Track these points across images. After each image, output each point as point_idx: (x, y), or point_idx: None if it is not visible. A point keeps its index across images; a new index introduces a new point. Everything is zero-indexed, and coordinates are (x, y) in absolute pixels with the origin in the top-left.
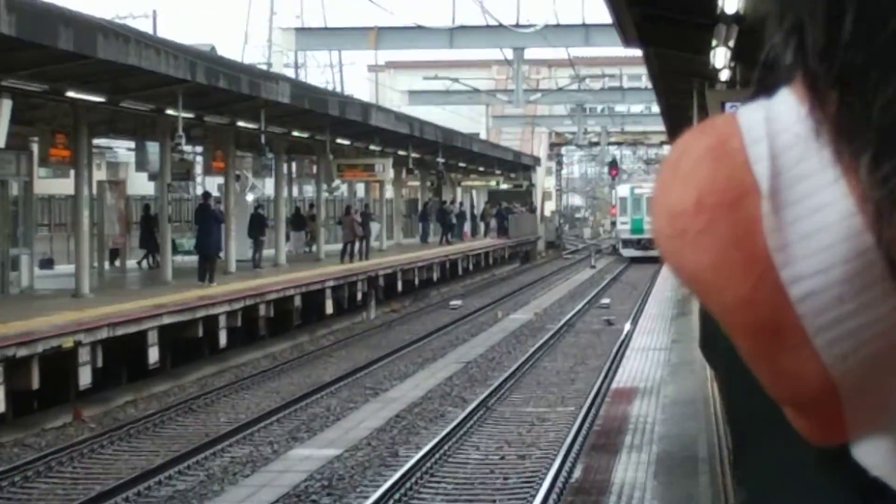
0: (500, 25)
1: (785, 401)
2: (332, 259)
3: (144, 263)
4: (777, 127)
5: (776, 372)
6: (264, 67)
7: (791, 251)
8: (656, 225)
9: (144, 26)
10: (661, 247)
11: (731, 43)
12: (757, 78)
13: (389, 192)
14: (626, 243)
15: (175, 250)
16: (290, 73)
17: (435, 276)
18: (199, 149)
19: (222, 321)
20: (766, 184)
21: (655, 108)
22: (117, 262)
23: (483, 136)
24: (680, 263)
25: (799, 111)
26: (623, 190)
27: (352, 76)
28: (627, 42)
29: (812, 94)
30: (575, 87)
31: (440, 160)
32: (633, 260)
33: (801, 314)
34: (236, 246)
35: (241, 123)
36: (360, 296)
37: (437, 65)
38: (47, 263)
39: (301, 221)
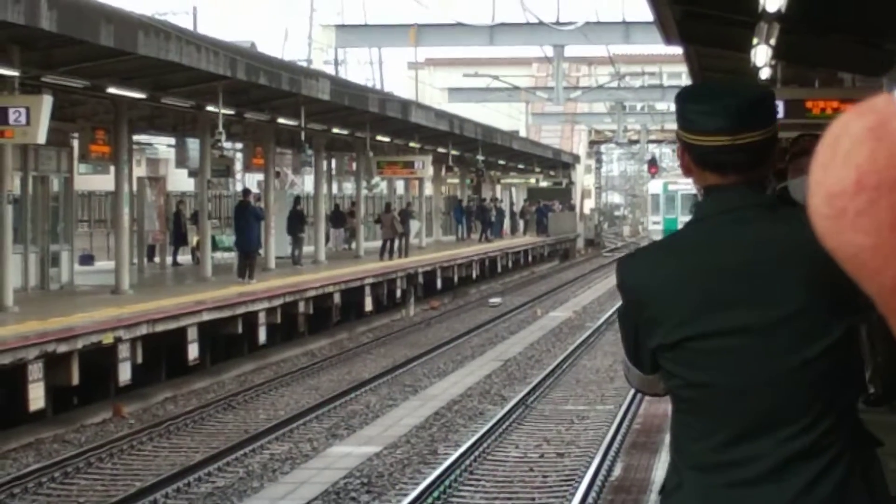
0: (541, 23)
1: None
2: (371, 256)
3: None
4: None
5: None
6: (304, 64)
7: None
8: (813, 205)
9: (185, 23)
10: (818, 227)
11: (773, 41)
12: None
13: (429, 189)
14: None
15: (215, 247)
16: (330, 69)
17: (474, 273)
18: (238, 145)
19: (262, 318)
20: None
21: None
22: (157, 259)
23: (523, 133)
24: (838, 245)
25: None
26: (655, 186)
27: (392, 73)
28: (668, 40)
29: None
30: (615, 84)
31: (480, 157)
32: None
33: None
34: (276, 243)
35: (281, 120)
36: (399, 293)
37: (477, 62)
38: (87, 259)
39: (341, 218)
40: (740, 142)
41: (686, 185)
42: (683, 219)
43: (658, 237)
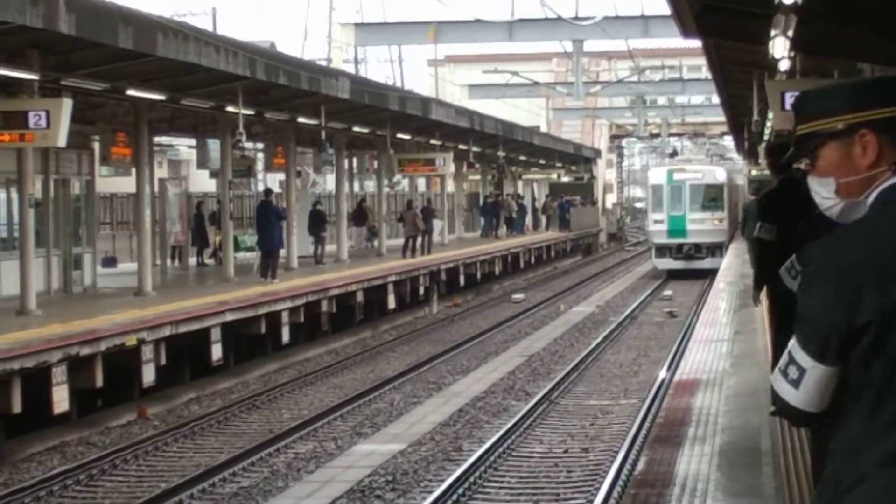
0: (559, 18)
1: None
2: (394, 254)
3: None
4: None
5: None
6: (324, 63)
7: None
8: None
9: (204, 24)
10: None
11: (790, 33)
12: None
13: (451, 186)
14: (662, 251)
15: (237, 247)
16: (350, 68)
17: (497, 269)
18: (259, 145)
19: (285, 317)
20: None
21: (716, 99)
22: (179, 260)
23: (543, 128)
24: None
25: None
26: (657, 175)
27: (412, 71)
28: (686, 33)
29: None
30: (635, 78)
31: (501, 154)
32: (672, 274)
33: None
34: (298, 242)
35: (301, 119)
36: (422, 290)
37: (497, 58)
38: (110, 262)
39: (362, 216)
40: None
41: (696, 174)
42: (693, 216)
43: (661, 240)
